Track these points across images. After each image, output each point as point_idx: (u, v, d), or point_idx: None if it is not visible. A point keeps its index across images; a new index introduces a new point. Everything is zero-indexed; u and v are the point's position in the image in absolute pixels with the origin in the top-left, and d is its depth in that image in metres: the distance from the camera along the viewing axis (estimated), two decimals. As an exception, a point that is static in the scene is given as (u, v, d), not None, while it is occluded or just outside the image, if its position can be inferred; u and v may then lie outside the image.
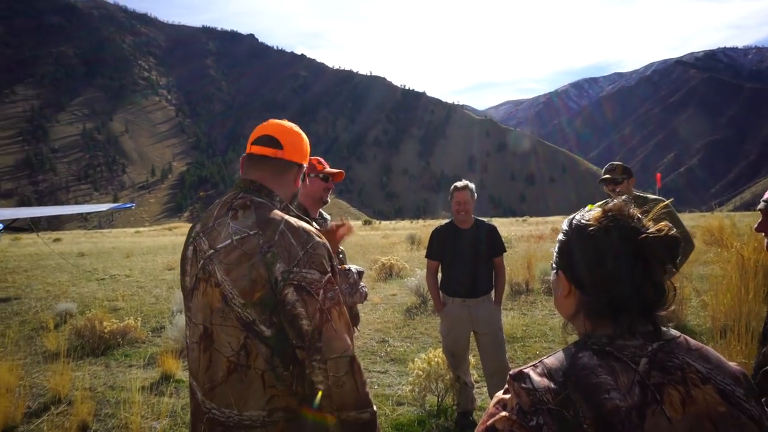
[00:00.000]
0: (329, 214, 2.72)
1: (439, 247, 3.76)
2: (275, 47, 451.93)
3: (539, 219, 41.49)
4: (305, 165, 1.54)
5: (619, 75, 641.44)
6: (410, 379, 3.96)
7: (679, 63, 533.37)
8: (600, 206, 0.97)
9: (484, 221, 3.79)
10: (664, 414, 0.79)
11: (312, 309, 1.21)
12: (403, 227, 44.68)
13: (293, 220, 1.34)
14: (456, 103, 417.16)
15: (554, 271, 1.00)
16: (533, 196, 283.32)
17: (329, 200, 2.56)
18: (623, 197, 0.99)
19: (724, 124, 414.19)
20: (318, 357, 1.20)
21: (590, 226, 0.92)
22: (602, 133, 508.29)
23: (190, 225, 1.58)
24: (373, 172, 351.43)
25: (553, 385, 0.83)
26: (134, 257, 16.73)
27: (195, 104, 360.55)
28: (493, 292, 3.67)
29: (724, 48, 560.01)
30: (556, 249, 0.99)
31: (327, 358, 1.20)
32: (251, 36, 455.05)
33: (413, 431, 3.65)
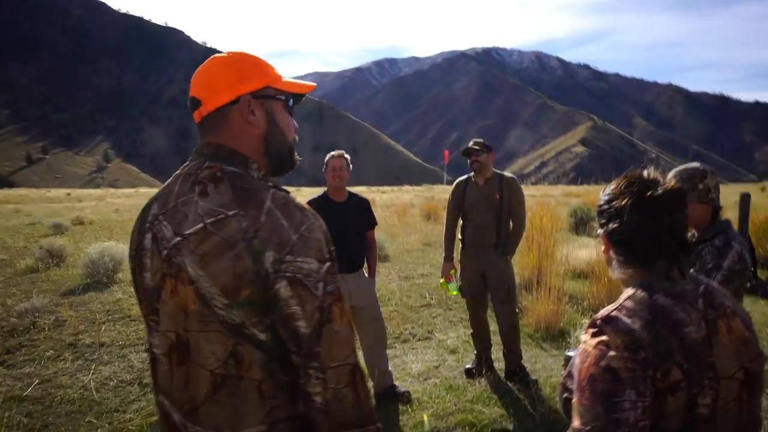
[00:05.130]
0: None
1: None
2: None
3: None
4: (254, 91, 1.08)
5: (416, 59, 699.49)
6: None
7: (464, 55, 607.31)
8: (625, 176, 1.12)
9: (356, 194, 3.73)
10: (721, 342, 1.00)
11: (310, 307, 0.95)
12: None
13: (280, 195, 1.02)
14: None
15: (600, 233, 1.15)
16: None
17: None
18: (641, 166, 1.19)
19: (492, 113, 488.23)
20: (316, 365, 0.95)
21: (621, 191, 1.09)
22: (400, 111, 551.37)
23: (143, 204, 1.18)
24: (168, 135, 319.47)
25: (644, 324, 0.96)
26: None
27: None
28: (365, 267, 3.71)
29: (496, 47, 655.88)
30: (602, 216, 1.13)
31: (327, 366, 0.95)
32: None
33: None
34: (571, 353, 1.41)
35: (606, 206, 1.11)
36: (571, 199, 17.19)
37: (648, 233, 1.04)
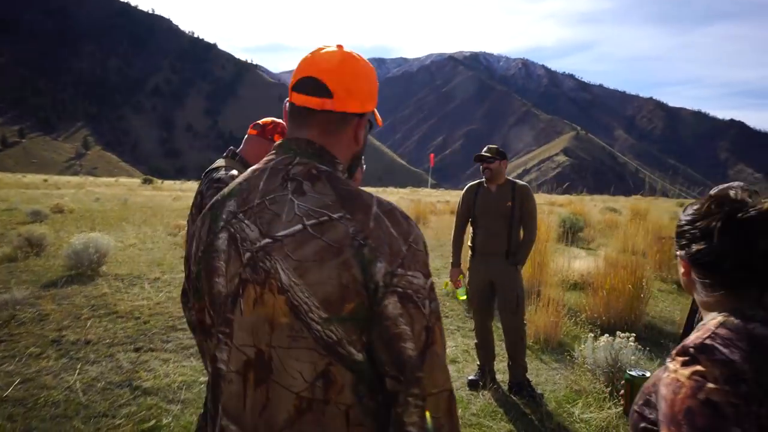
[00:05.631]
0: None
1: None
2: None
3: None
4: (369, 112, 1.05)
5: (404, 60, 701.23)
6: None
7: (452, 58, 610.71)
8: (712, 196, 1.04)
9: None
10: None
11: (418, 327, 0.85)
12: (192, 188, 41.61)
13: (385, 200, 0.93)
14: (250, 61, 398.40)
15: (679, 254, 1.08)
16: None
17: None
18: (730, 184, 1.21)
19: (479, 117, 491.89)
20: (416, 392, 0.85)
21: (707, 212, 1.01)
22: (387, 112, 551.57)
23: (208, 205, 1.04)
24: (151, 124, 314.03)
25: (743, 355, 0.87)
26: None
27: None
28: None
29: (484, 52, 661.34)
30: (676, 233, 1.08)
31: (427, 393, 0.85)
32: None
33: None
34: (634, 373, 1.28)
35: (689, 227, 1.04)
36: (556, 209, 17.32)
37: (740, 257, 0.97)
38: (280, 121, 2.00)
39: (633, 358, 3.69)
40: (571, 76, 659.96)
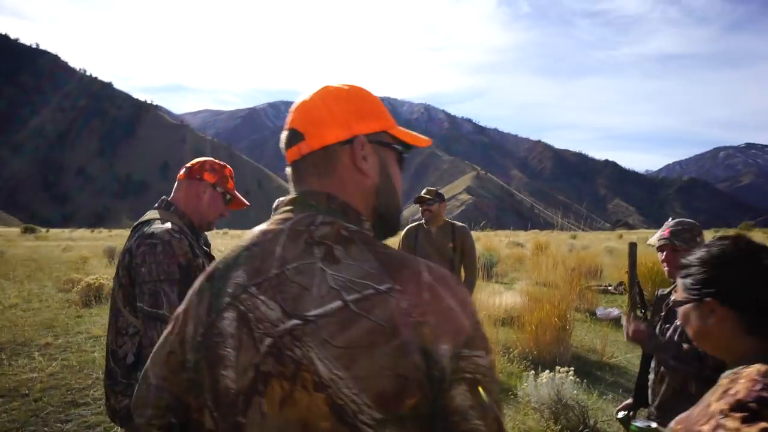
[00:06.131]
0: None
1: None
2: None
3: (239, 231, 40.31)
4: (371, 134, 0.84)
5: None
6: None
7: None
8: (726, 238, 1.09)
9: None
10: None
11: (490, 419, 0.68)
12: (83, 237, 37.75)
13: (433, 265, 0.75)
14: (149, 102, 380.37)
15: (695, 302, 1.06)
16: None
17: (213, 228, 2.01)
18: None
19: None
20: None
21: (737, 254, 1.05)
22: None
23: (203, 274, 0.84)
24: (32, 165, 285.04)
25: None
26: None
27: None
28: None
29: (389, 97, 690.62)
30: (700, 280, 1.06)
31: None
32: None
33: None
34: (640, 424, 1.36)
35: (716, 272, 1.05)
36: None
37: None
38: (206, 159, 1.92)
39: (575, 392, 3.71)
40: (470, 120, 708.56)
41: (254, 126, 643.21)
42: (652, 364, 2.17)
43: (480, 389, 0.66)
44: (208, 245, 1.99)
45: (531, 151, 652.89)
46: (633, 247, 8.00)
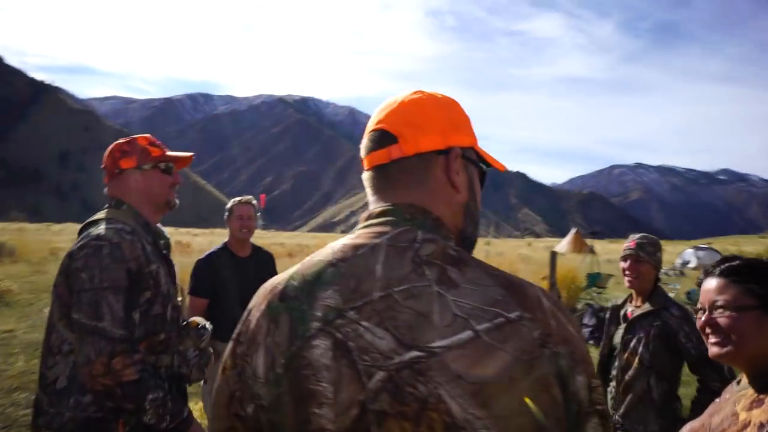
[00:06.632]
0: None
1: (208, 280, 2.98)
2: None
3: None
4: (466, 148, 0.77)
5: (233, 98, 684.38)
6: None
7: (282, 101, 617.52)
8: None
9: (260, 247, 3.26)
10: None
11: None
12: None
13: (538, 286, 0.69)
14: (49, 82, 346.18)
15: (761, 308, 1.07)
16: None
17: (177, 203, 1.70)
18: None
19: (308, 159, 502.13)
20: None
21: None
22: (213, 149, 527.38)
23: (269, 292, 0.73)
24: None
25: None
26: None
27: None
28: None
29: (313, 98, 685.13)
30: (750, 290, 1.08)
31: None
32: None
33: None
34: None
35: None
36: None
37: None
38: (110, 147, 1.64)
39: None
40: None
41: (171, 118, 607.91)
42: (613, 372, 2.23)
43: (606, 420, 0.63)
44: (168, 248, 1.67)
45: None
46: (554, 255, 9.30)
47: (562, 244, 25.02)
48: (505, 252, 20.13)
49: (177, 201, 1.68)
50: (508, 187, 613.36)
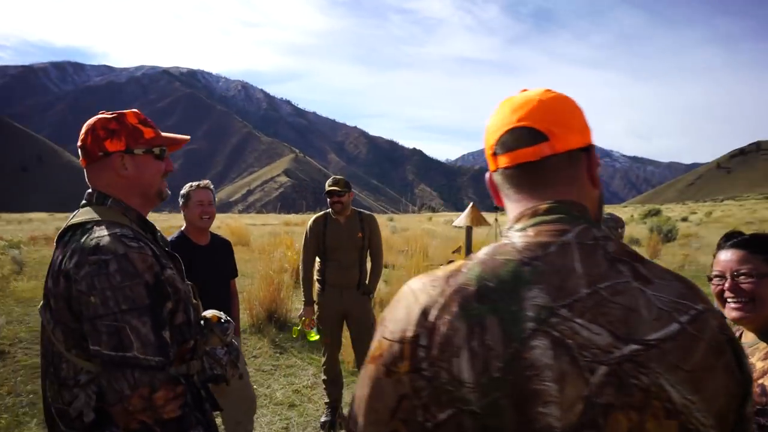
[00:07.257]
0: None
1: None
2: None
3: (17, 215, 28.71)
4: (591, 144, 0.80)
5: (109, 68, 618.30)
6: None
7: (167, 73, 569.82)
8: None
9: (218, 235, 3.18)
10: None
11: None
12: None
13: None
14: None
15: None
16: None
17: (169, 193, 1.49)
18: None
19: (200, 137, 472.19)
20: None
21: None
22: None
23: (456, 293, 0.68)
24: None
25: None
26: None
27: None
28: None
29: (202, 71, 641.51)
30: None
31: None
32: None
33: None
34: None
35: None
36: (294, 228, 17.58)
37: None
38: (90, 121, 1.37)
39: None
40: (289, 102, 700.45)
41: (32, 88, 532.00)
42: None
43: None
44: (166, 242, 1.43)
45: (347, 136, 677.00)
46: (469, 230, 9.36)
47: (461, 219, 25.69)
48: (409, 227, 20.20)
49: (168, 191, 1.45)
50: (406, 164, 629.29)
